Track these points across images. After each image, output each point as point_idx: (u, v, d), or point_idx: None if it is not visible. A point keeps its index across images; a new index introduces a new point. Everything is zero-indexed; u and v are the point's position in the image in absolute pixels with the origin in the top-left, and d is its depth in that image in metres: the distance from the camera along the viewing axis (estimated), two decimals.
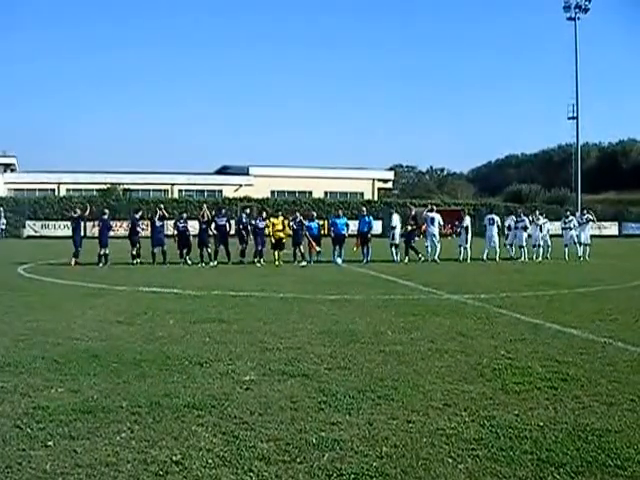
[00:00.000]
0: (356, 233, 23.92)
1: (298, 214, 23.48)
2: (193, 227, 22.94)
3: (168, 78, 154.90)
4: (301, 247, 22.20)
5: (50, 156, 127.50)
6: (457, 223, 25.51)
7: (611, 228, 54.81)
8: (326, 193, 58.69)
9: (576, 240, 25.14)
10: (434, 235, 23.32)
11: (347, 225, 23.18)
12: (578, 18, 58.38)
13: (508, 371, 6.71)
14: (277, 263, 21.19)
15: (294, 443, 4.63)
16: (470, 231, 23.86)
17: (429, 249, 23.28)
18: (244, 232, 22.50)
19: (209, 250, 21.41)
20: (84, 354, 7.39)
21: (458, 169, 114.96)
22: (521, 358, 7.34)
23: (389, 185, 69.24)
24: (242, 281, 16.03)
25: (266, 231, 22.56)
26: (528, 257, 24.11)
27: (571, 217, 26.21)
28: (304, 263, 21.53)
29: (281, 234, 22.19)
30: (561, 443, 4.64)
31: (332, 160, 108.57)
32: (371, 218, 24.46)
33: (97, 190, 50.59)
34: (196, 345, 8.01)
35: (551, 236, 26.25)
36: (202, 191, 56.84)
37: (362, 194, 60.65)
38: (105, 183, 52.27)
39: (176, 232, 22.20)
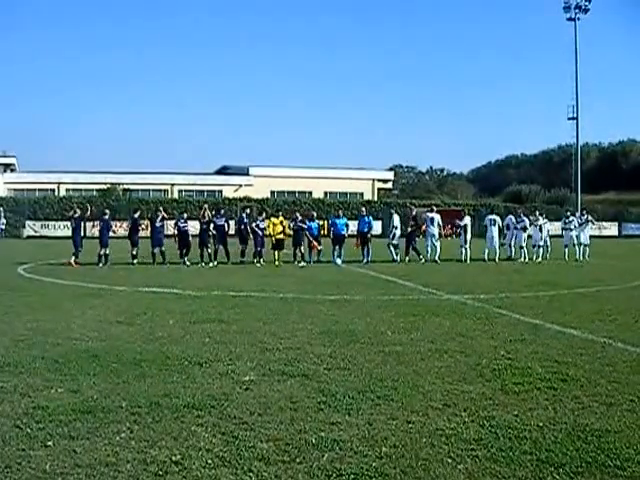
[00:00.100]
0: (356, 233, 23.91)
1: (298, 214, 23.47)
2: (193, 227, 22.97)
3: (168, 78, 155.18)
4: (301, 247, 22.20)
5: (50, 156, 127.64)
6: (457, 223, 25.43)
7: (611, 228, 54.81)
8: (326, 193, 58.69)
9: (576, 241, 25.15)
10: (433, 235, 23.32)
11: (347, 225, 23.17)
12: (578, 18, 58.44)
13: (508, 371, 6.71)
14: (277, 263, 21.19)
15: (294, 443, 4.63)
16: (469, 231, 23.87)
17: (429, 249, 23.29)
18: (245, 232, 22.49)
19: (209, 250, 21.42)
20: (84, 354, 7.40)
21: (458, 169, 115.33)
22: (521, 358, 7.34)
23: (389, 185, 69.22)
24: (242, 281, 16.03)
25: (266, 231, 22.57)
26: (528, 257, 24.11)
27: (572, 217, 26.21)
28: (303, 263, 21.53)
29: (281, 234, 22.20)
30: (561, 443, 4.64)
31: (332, 160, 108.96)
32: (371, 218, 24.45)
33: (97, 190, 50.57)
34: (196, 345, 8.01)
35: (551, 236, 26.27)
36: (202, 191, 56.83)
37: (362, 194, 60.63)
38: (105, 183, 52.26)
39: (177, 232, 22.21)
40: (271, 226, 22.47)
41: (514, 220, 25.15)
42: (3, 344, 7.94)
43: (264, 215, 23.65)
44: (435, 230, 23.38)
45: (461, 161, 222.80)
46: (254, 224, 22.31)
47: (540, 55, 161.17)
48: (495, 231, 24.25)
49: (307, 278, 17.06)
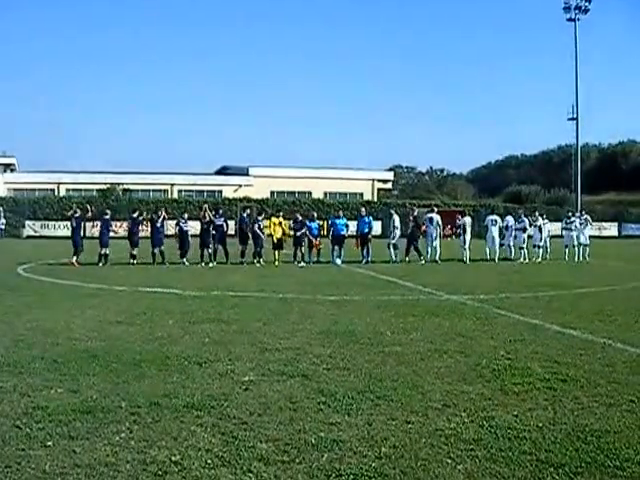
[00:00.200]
0: (356, 234, 23.91)
1: (298, 215, 23.48)
2: (194, 227, 23.02)
3: (168, 78, 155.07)
4: (302, 248, 22.20)
5: (50, 156, 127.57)
6: (457, 223, 25.42)
7: (611, 229, 54.83)
8: (325, 194, 58.66)
9: (576, 242, 25.16)
10: (434, 236, 23.31)
11: (346, 226, 23.17)
12: (578, 19, 58.46)
13: (507, 372, 6.71)
14: (276, 264, 21.19)
15: (293, 443, 4.63)
16: (469, 231, 23.86)
17: (429, 250, 23.29)
18: (246, 233, 22.46)
19: (209, 251, 21.43)
20: (83, 354, 7.39)
21: (458, 170, 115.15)
22: (520, 359, 7.34)
23: (389, 186, 69.18)
24: (241, 281, 16.03)
25: (267, 231, 22.56)
26: (528, 258, 24.11)
27: (573, 218, 26.19)
28: (303, 264, 21.53)
29: (280, 234, 22.19)
30: (560, 444, 4.64)
31: (332, 160, 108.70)
32: (371, 218, 24.45)
33: (97, 190, 50.56)
34: (195, 345, 8.01)
35: (551, 237, 26.28)
36: (202, 191, 56.80)
37: (362, 195, 60.60)
38: (105, 183, 52.22)
39: (178, 232, 22.25)
40: (272, 226, 22.47)
41: (513, 221, 25.17)
42: (3, 344, 7.94)
43: (263, 215, 23.64)
44: (435, 230, 23.38)
45: (461, 161, 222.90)
46: (256, 225, 22.28)
47: (540, 56, 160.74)
48: (496, 231, 24.26)
49: (307, 278, 17.06)
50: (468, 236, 23.71)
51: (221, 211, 23.30)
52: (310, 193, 57.47)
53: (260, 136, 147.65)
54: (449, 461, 4.34)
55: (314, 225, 23.01)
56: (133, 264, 20.70)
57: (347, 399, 5.69)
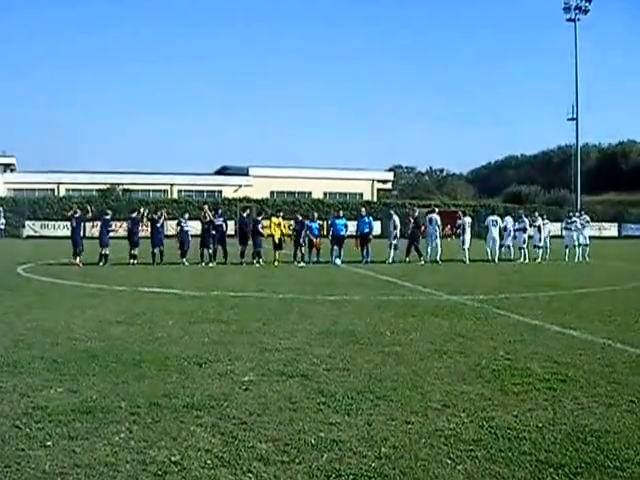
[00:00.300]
0: (356, 234, 23.90)
1: (299, 215, 23.49)
2: (194, 228, 23.06)
3: (168, 78, 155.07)
4: (302, 248, 22.20)
5: (50, 156, 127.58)
6: (458, 223, 25.42)
7: (611, 229, 54.84)
8: (325, 194, 58.69)
9: (576, 243, 25.16)
10: (434, 236, 23.31)
11: (346, 226, 23.18)
12: (578, 19, 58.61)
13: (507, 372, 6.71)
14: (276, 264, 21.19)
15: (293, 444, 4.63)
16: (468, 232, 23.86)
17: (429, 250, 23.29)
18: (246, 233, 22.44)
19: (209, 251, 21.43)
20: (83, 354, 7.39)
21: (458, 170, 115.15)
22: (520, 359, 7.34)
23: (388, 186, 69.23)
24: (241, 282, 16.03)
25: (267, 231, 22.56)
26: (528, 258, 24.12)
27: (574, 218, 26.17)
28: (303, 264, 21.53)
29: (279, 234, 22.20)
30: (560, 444, 4.64)
31: (331, 161, 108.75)
32: (371, 219, 24.46)
33: (97, 190, 50.57)
34: (195, 346, 8.00)
35: (551, 237, 26.28)
36: (202, 191, 56.83)
37: (361, 195, 60.64)
38: (105, 183, 52.24)
39: (179, 232, 22.28)
40: (272, 226, 22.46)
41: (511, 221, 25.20)
42: (3, 344, 7.94)
43: (263, 215, 23.66)
44: (435, 230, 23.38)
45: (461, 162, 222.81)
46: (259, 225, 22.27)
47: (540, 56, 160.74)
48: (496, 232, 24.25)
49: (306, 278, 17.06)
50: (468, 236, 23.72)
51: (220, 211, 23.32)
52: (310, 193, 57.50)
53: (260, 136, 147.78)
54: (449, 461, 4.34)
55: (314, 225, 23.01)
56: (133, 264, 20.71)
57: (347, 399, 5.69)
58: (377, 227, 29.63)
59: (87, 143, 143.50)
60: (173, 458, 4.35)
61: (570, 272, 20.33)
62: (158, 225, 21.92)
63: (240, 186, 57.00)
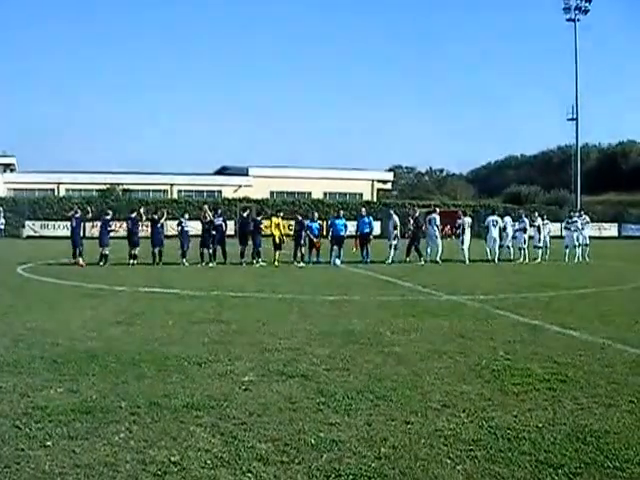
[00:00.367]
0: (356, 234, 23.89)
1: (299, 216, 23.50)
2: (194, 228, 23.07)
3: (168, 78, 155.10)
4: (302, 248, 22.22)
5: (50, 156, 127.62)
6: (458, 223, 25.40)
7: (611, 229, 54.79)
8: (325, 194, 58.68)
9: (576, 243, 25.16)
10: (435, 236, 23.31)
11: (345, 226, 23.19)
12: (578, 19, 58.54)
13: (507, 372, 6.71)
14: (276, 264, 21.19)
15: (292, 444, 4.63)
16: (468, 232, 23.86)
17: (429, 250, 23.30)
18: (246, 233, 22.44)
19: (210, 251, 21.44)
20: (83, 354, 7.39)
21: (457, 170, 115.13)
22: (520, 359, 7.34)
23: (388, 186, 69.21)
24: (241, 282, 16.03)
25: (267, 231, 22.55)
26: (528, 258, 24.13)
27: (575, 218, 26.15)
28: (302, 264, 21.54)
29: (279, 234, 22.20)
30: (560, 444, 4.64)
31: (331, 161, 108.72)
32: (371, 219, 24.45)
33: (96, 190, 50.57)
34: (195, 346, 8.00)
35: (551, 237, 26.29)
36: (201, 192, 56.80)
37: (361, 195, 60.61)
38: (104, 183, 52.23)
39: (180, 232, 22.30)
40: (273, 226, 22.46)
41: (510, 222, 25.21)
42: (2, 344, 7.94)
43: (262, 215, 23.68)
44: (435, 230, 23.38)
45: (460, 162, 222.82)
46: (260, 225, 22.28)
47: (540, 56, 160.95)
48: (496, 232, 24.26)
49: (306, 278, 17.07)
50: (467, 236, 23.71)
51: (220, 211, 23.32)
52: (310, 193, 57.48)
53: (260, 136, 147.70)
54: (448, 461, 4.34)
55: (315, 225, 23.02)
56: (133, 264, 20.71)
57: (346, 399, 5.69)
58: (377, 227, 29.57)
59: (87, 143, 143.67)
60: (173, 458, 4.35)
61: (570, 272, 20.33)
62: (158, 225, 21.94)
63: (240, 186, 56.99)
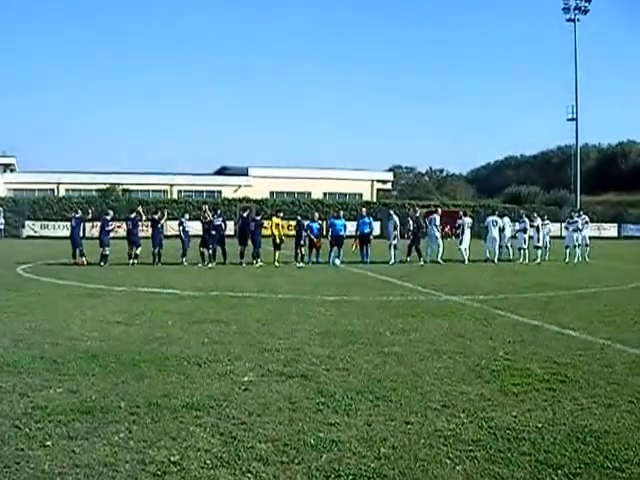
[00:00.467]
0: (355, 234, 23.89)
1: (299, 217, 23.52)
2: (194, 228, 23.08)
3: (168, 78, 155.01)
4: (302, 248, 22.23)
5: (50, 156, 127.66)
6: (458, 223, 25.40)
7: (610, 230, 54.83)
8: (325, 194, 58.70)
9: (576, 243, 25.15)
10: (435, 236, 23.32)
11: (345, 226, 23.19)
12: (577, 20, 58.67)
13: (507, 372, 6.71)
14: (276, 264, 21.20)
15: (292, 444, 4.63)
16: (468, 232, 23.86)
17: (429, 250, 23.30)
18: (245, 233, 22.43)
19: (209, 251, 21.44)
20: (83, 354, 7.40)
21: (457, 170, 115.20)
22: (520, 359, 7.34)
23: (388, 186, 69.26)
24: (241, 282, 16.03)
25: (267, 231, 22.56)
26: (528, 258, 24.13)
27: (576, 218, 26.14)
28: (302, 264, 21.54)
29: (279, 234, 22.22)
30: (559, 445, 4.64)
31: (331, 161, 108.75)
32: (371, 219, 24.46)
33: (96, 190, 50.58)
34: (194, 346, 8.01)
35: (551, 237, 26.29)
36: (201, 192, 56.84)
37: (361, 195, 60.65)
38: (104, 183, 52.22)
39: (181, 232, 22.32)
40: (273, 226, 22.47)
41: (509, 222, 25.22)
42: (2, 344, 7.94)
43: (262, 215, 23.70)
44: (436, 231, 23.38)
45: (460, 162, 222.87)
46: (260, 224, 22.29)
47: (540, 56, 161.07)
48: (496, 232, 24.28)
49: (306, 279, 17.07)
50: (466, 237, 23.71)
51: (219, 211, 23.33)
52: (309, 193, 57.51)
53: (260, 136, 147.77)
54: (448, 462, 4.34)
55: (315, 225, 23.04)
56: (133, 264, 20.72)
57: (346, 400, 5.69)
58: (376, 227, 29.58)
59: (87, 143, 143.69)
60: (172, 458, 4.35)
61: (570, 272, 20.34)
62: (159, 226, 21.96)
63: (240, 186, 57.02)
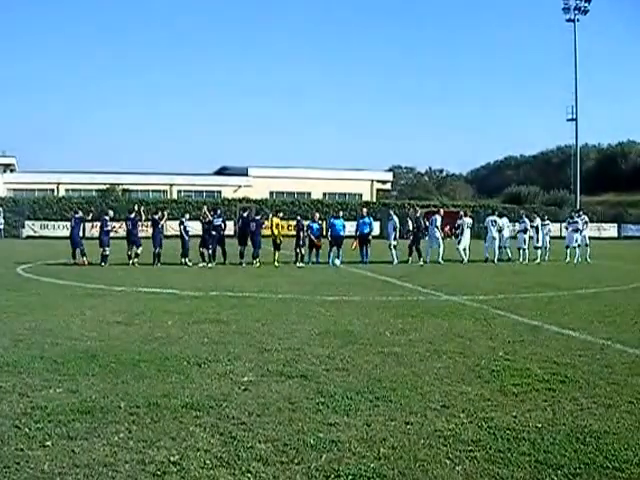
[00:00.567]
0: (355, 234, 23.88)
1: (299, 217, 23.52)
2: (194, 228, 23.09)
3: (168, 79, 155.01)
4: (302, 248, 22.23)
5: (50, 156, 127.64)
6: (457, 223, 25.40)
7: (610, 230, 54.83)
8: (325, 194, 58.70)
9: (575, 244, 25.14)
10: (436, 237, 23.31)
11: (344, 226, 23.19)
12: (577, 20, 58.67)
13: (506, 373, 6.71)
14: (276, 264, 21.20)
15: (292, 444, 4.63)
16: (467, 232, 23.85)
17: (429, 251, 23.30)
18: (245, 233, 22.43)
19: (209, 251, 21.44)
20: (83, 354, 7.39)
21: (457, 170, 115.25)
22: (519, 360, 7.34)
23: (388, 186, 69.26)
24: (240, 282, 16.02)
25: (267, 231, 22.56)
26: (527, 258, 24.13)
27: (576, 219, 26.15)
28: (301, 264, 21.54)
29: (279, 234, 22.22)
30: (559, 445, 4.64)
31: (331, 161, 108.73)
32: (371, 219, 24.47)
33: (96, 190, 50.57)
34: (194, 346, 8.01)
35: (551, 238, 26.29)
36: (201, 192, 56.83)
37: (361, 195, 60.65)
38: (104, 183, 52.22)
39: (182, 232, 22.31)
40: (273, 226, 22.47)
41: (507, 222, 25.23)
42: (2, 344, 7.94)
43: (262, 215, 23.71)
44: (437, 231, 23.38)
45: (460, 162, 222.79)
46: (261, 224, 22.31)
47: (539, 56, 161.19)
48: (496, 232, 24.28)
49: (306, 279, 17.06)
50: (465, 237, 23.71)
51: (219, 211, 23.33)
52: (309, 194, 57.51)
53: (260, 136, 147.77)
54: (448, 462, 4.34)
55: (315, 225, 23.05)
56: (134, 264, 20.72)
57: (346, 400, 5.69)
58: (376, 228, 29.60)
59: (87, 143, 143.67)
60: (172, 458, 4.35)
61: (570, 272, 20.34)
62: (159, 226, 21.96)
63: (239, 186, 57.01)
